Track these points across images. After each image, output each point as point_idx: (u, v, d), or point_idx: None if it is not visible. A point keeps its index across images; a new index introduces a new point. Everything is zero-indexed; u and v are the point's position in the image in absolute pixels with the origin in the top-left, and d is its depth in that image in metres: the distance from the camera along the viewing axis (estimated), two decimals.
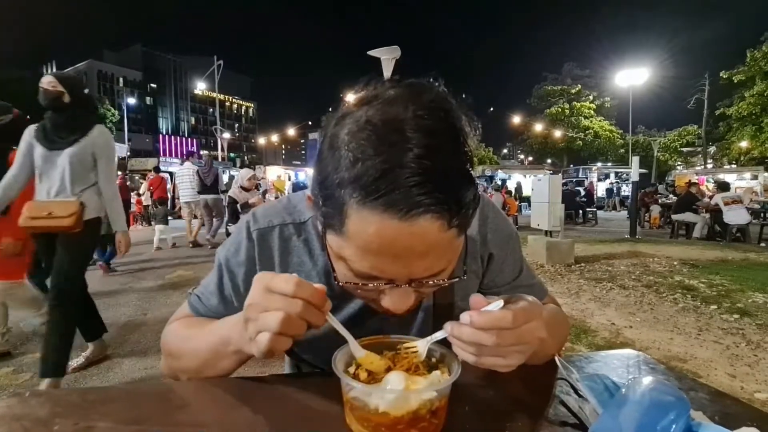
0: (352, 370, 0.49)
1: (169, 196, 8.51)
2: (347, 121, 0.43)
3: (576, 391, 0.54)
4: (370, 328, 0.58)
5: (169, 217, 7.95)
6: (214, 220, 6.33)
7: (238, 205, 5.08)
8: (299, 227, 0.63)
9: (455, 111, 0.43)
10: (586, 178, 21.82)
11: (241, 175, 5.44)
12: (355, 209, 0.41)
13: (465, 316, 0.43)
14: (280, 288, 0.44)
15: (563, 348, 0.70)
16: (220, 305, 0.65)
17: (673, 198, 10.95)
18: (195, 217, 7.07)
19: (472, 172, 0.43)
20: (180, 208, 7.89)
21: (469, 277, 0.65)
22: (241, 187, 5.24)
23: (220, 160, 23.87)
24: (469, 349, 0.43)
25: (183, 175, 7.00)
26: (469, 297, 0.46)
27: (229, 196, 5.32)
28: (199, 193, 6.45)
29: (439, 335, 0.48)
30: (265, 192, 10.69)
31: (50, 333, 2.08)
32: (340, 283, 0.49)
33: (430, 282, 0.46)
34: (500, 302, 0.45)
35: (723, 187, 8.31)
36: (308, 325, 0.45)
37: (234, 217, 4.94)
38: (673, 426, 0.42)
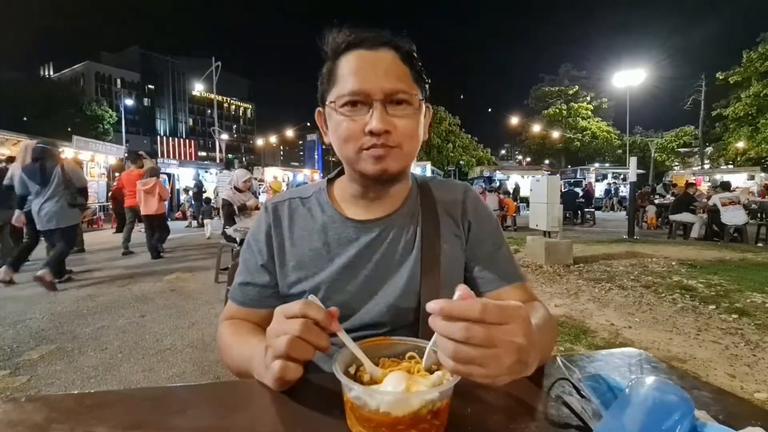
0: (352, 370, 0.48)
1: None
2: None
3: (578, 391, 0.54)
4: (362, 273, 0.70)
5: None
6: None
7: (235, 208, 4.86)
8: (304, 200, 0.78)
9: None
10: (584, 178, 21.86)
11: (237, 175, 5.16)
12: (342, 57, 0.65)
13: (432, 304, 0.41)
14: (291, 311, 0.49)
15: (553, 348, 0.70)
16: (247, 278, 0.75)
17: (670, 198, 10.97)
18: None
19: (419, 64, 0.68)
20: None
21: (453, 241, 0.75)
22: (236, 188, 5.05)
23: (218, 161, 23.81)
24: (446, 351, 0.41)
25: (223, 181, 9.55)
26: (457, 285, 0.45)
27: (224, 199, 5.06)
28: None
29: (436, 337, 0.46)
30: (255, 194, 11.29)
31: None
32: (338, 110, 0.64)
33: (398, 96, 0.63)
34: (462, 288, 0.44)
35: (724, 187, 8.30)
36: (316, 348, 0.49)
37: (230, 221, 4.77)
38: (678, 426, 0.42)
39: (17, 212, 4.40)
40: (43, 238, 4.59)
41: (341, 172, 0.78)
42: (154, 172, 6.08)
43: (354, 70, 0.63)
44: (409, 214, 0.75)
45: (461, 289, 0.43)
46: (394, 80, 0.63)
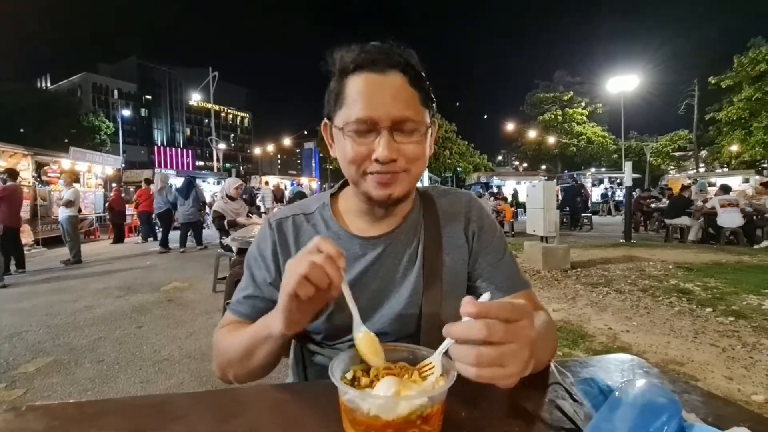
0: (349, 376, 0.49)
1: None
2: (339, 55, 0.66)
3: (571, 395, 0.55)
4: (369, 287, 0.71)
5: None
6: None
7: (225, 222, 4.86)
8: (308, 216, 0.78)
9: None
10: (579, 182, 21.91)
11: (228, 183, 5.24)
12: (350, 78, 0.64)
13: (466, 307, 0.42)
14: (308, 246, 0.52)
15: (555, 354, 0.71)
16: (255, 292, 0.74)
17: (665, 201, 11.00)
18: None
19: (427, 84, 0.66)
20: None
21: (455, 252, 0.76)
22: (227, 196, 5.08)
23: (215, 170, 23.83)
24: (468, 359, 0.42)
25: (266, 193, 12.84)
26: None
27: (215, 210, 5.07)
28: (276, 203, 11.77)
29: (445, 344, 0.46)
30: (252, 198, 12.46)
31: None
32: (345, 134, 0.64)
33: (406, 127, 0.63)
34: (488, 294, 0.46)
35: (724, 189, 8.33)
36: (328, 285, 0.50)
37: (223, 233, 4.77)
38: (665, 427, 0.43)
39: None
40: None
41: (344, 184, 0.79)
42: None
43: (361, 95, 0.62)
44: (412, 227, 0.76)
45: (465, 298, 0.43)
46: (402, 107, 0.62)
